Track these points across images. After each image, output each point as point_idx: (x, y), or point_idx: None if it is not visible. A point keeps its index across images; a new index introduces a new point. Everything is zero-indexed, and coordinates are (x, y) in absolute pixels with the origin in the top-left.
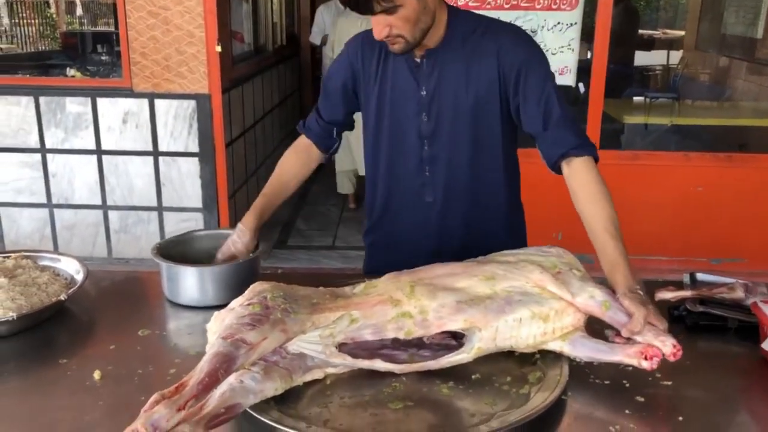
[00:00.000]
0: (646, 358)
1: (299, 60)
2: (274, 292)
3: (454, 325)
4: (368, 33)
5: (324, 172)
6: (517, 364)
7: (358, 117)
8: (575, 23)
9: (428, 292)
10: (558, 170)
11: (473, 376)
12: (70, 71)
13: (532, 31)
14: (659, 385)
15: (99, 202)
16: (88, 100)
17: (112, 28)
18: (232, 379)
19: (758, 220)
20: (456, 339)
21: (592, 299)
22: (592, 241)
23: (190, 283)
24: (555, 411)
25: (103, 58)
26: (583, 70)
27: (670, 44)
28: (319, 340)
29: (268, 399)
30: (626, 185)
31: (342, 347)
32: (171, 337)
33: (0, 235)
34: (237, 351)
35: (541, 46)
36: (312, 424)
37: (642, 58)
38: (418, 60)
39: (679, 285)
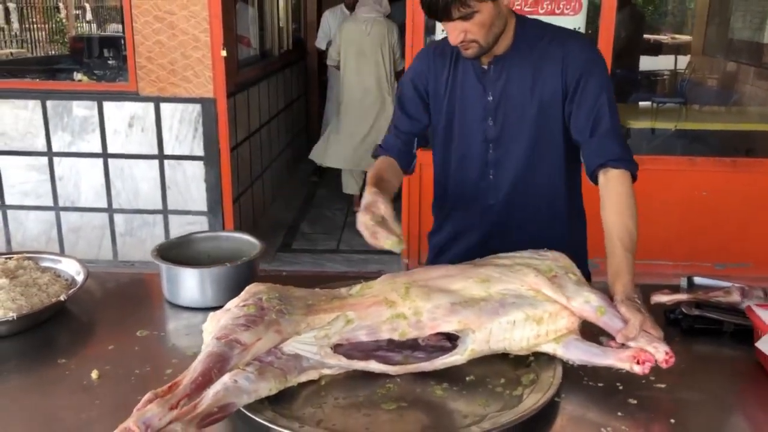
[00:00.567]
0: (638, 363)
1: (305, 65)
2: (270, 293)
3: (448, 326)
4: (438, 43)
5: (329, 175)
6: (511, 366)
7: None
8: (578, 28)
9: (423, 293)
10: (595, 179)
11: (467, 378)
12: (77, 75)
13: None
14: (653, 388)
15: (105, 205)
16: (95, 104)
17: (118, 33)
18: (226, 378)
19: (763, 225)
20: (450, 341)
21: (587, 304)
22: (605, 247)
23: (189, 284)
24: (548, 412)
25: (110, 62)
26: None
27: (678, 49)
28: (315, 341)
29: (263, 399)
30: None
31: (337, 348)
32: (169, 337)
33: (7, 237)
34: (231, 351)
35: None
36: (305, 424)
37: (649, 63)
38: (486, 67)
39: (675, 288)
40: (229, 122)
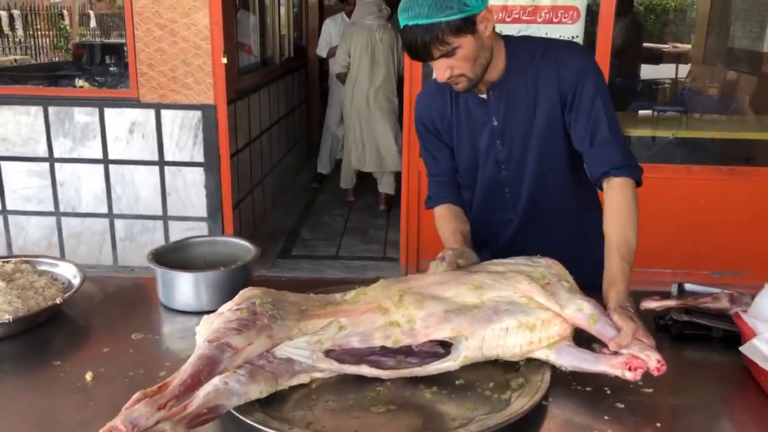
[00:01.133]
0: (630, 369)
1: (306, 72)
2: (263, 298)
3: (441, 334)
4: (434, 83)
5: (330, 182)
6: (500, 371)
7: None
8: (576, 36)
9: (416, 301)
10: (600, 188)
11: (457, 382)
12: (79, 82)
13: None
14: (640, 393)
15: (105, 210)
16: (96, 110)
17: (120, 40)
18: (216, 380)
19: (761, 233)
20: (444, 347)
21: (580, 312)
22: (604, 255)
23: (184, 288)
24: (535, 416)
25: (111, 69)
26: None
27: (678, 58)
28: (307, 346)
29: (253, 401)
30: None
31: (329, 353)
32: (164, 340)
33: (8, 242)
34: (221, 354)
35: None
36: (295, 426)
37: (650, 72)
38: (484, 96)
39: (666, 295)
40: (230, 129)
